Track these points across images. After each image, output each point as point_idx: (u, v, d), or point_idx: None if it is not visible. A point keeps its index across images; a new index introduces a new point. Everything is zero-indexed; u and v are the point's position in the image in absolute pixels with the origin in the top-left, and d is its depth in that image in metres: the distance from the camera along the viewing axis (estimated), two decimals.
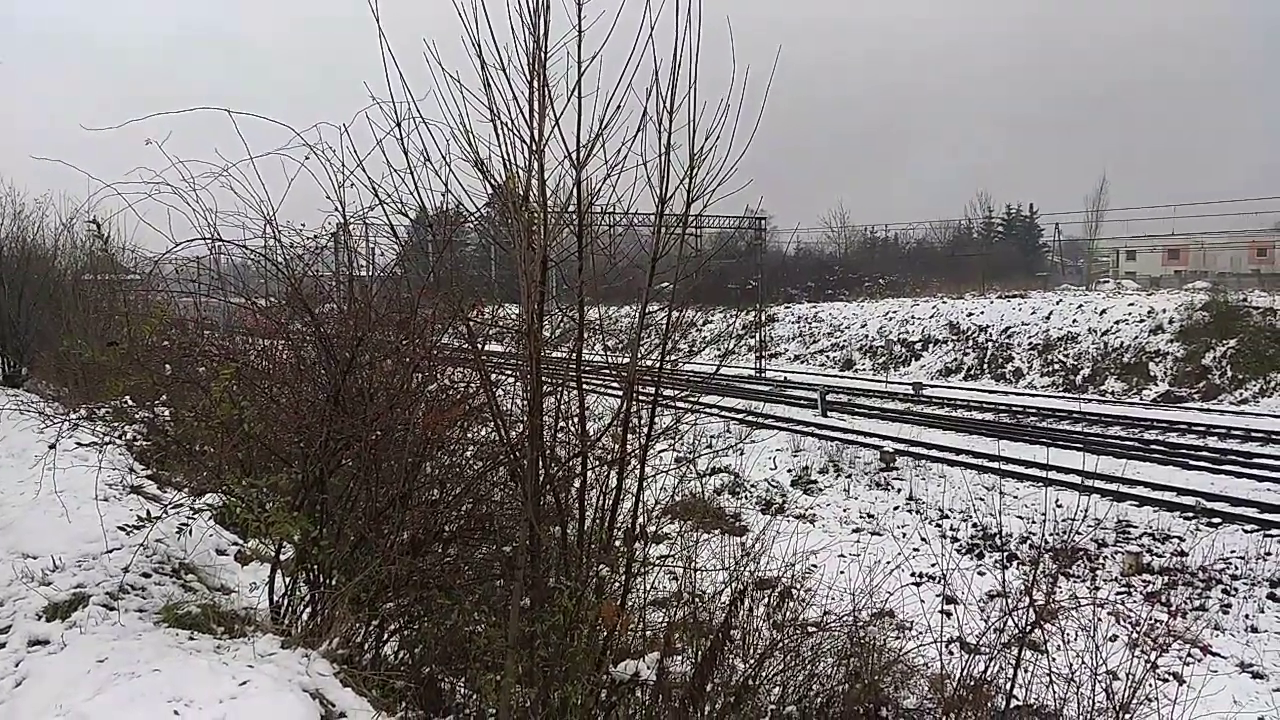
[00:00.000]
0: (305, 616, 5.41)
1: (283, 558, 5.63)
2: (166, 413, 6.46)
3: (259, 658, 4.45)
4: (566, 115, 4.92)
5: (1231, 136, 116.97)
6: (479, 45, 4.74)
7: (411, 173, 5.08)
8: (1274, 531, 14.84)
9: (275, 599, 5.50)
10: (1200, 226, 66.51)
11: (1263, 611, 11.93)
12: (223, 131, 4.99)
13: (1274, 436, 23.47)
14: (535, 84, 4.87)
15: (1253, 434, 24.07)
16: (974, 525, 15.99)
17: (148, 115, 4.91)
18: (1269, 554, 13.68)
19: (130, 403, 6.93)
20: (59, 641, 4.64)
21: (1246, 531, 15.04)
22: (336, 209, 5.44)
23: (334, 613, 5.08)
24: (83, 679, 4.10)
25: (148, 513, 5.43)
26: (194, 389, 5.65)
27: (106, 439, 7.29)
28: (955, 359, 42.88)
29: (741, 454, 17.79)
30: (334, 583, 5.32)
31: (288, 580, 5.51)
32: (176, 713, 3.81)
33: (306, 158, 5.06)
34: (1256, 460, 20.71)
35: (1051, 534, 10.56)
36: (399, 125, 4.92)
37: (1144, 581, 13.04)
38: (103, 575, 5.53)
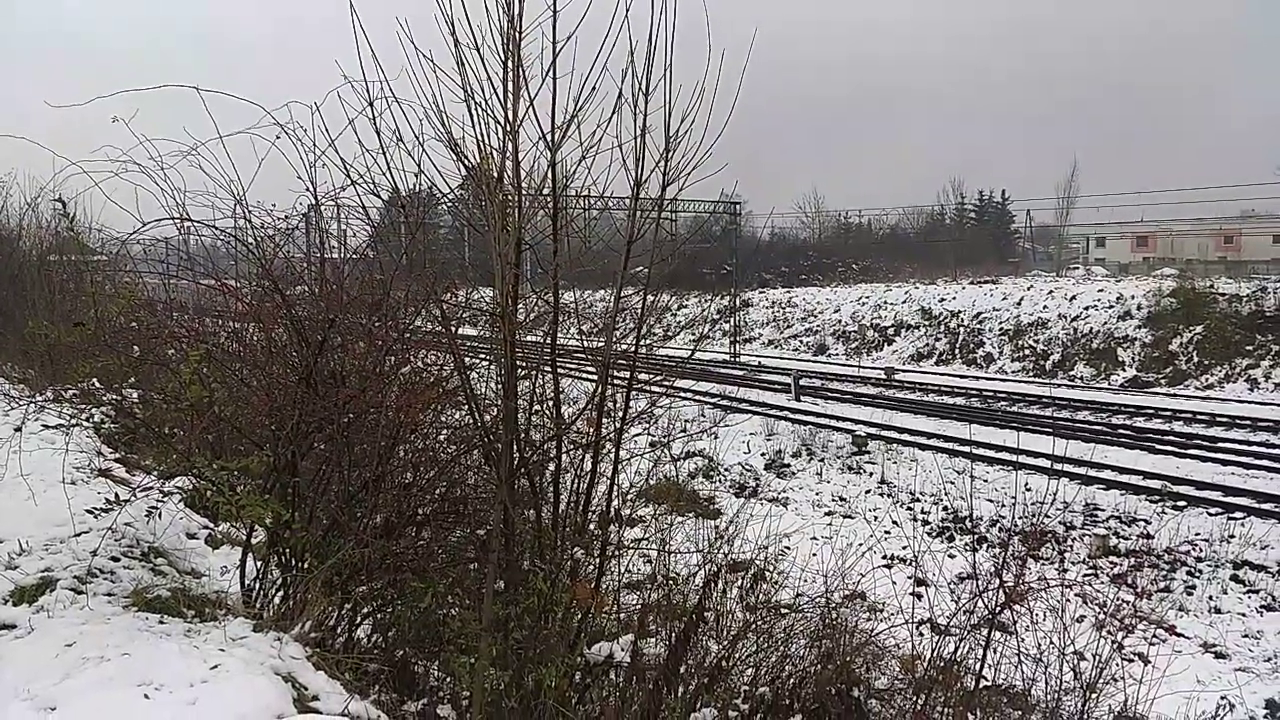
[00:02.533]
0: (277, 600, 5.38)
1: (254, 541, 5.59)
2: (135, 395, 6.38)
3: (230, 641, 4.42)
4: (541, 96, 4.90)
5: (1199, 126, 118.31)
6: (453, 24, 4.69)
7: (384, 153, 5.03)
8: (1238, 514, 15.11)
9: (247, 583, 5.46)
10: (1169, 214, 67.32)
11: (1226, 593, 12.14)
12: (192, 111, 4.92)
13: (1238, 421, 23.87)
14: (510, 64, 4.84)
15: (1218, 419, 24.46)
16: (945, 508, 16.16)
17: (115, 93, 4.83)
18: (1233, 536, 13.92)
19: (97, 385, 6.83)
20: (26, 625, 4.57)
21: (1211, 514, 15.30)
22: (308, 189, 5.38)
23: (306, 596, 5.06)
24: (51, 663, 4.06)
25: (116, 496, 5.37)
26: (163, 371, 5.57)
27: (73, 421, 7.17)
28: (927, 344, 43.18)
29: (716, 438, 17.88)
30: (306, 566, 5.28)
31: (259, 564, 5.47)
32: (147, 696, 3.78)
33: (277, 137, 4.99)
34: (1221, 444, 21.05)
35: (1021, 517, 10.66)
36: (371, 105, 4.86)
37: (1111, 563, 13.23)
38: (70, 559, 5.46)
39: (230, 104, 4.98)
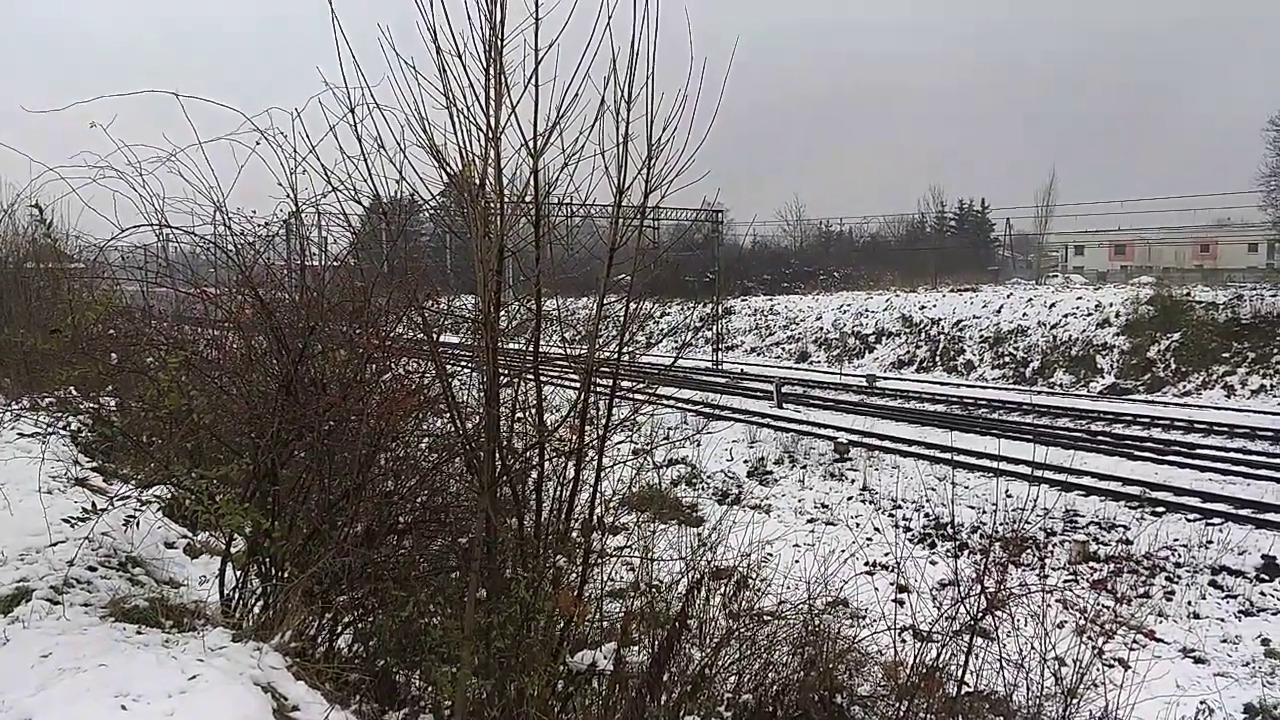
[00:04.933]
0: (257, 610, 5.34)
1: (233, 550, 5.55)
2: (112, 403, 6.33)
3: (209, 651, 4.38)
4: (523, 104, 4.89)
5: (1175, 136, 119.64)
6: (434, 30, 4.68)
7: (365, 159, 5.01)
8: (1215, 520, 15.23)
9: (226, 592, 5.42)
10: (1146, 222, 68.06)
11: (1204, 598, 12.23)
12: (171, 116, 4.89)
13: (1215, 428, 24.09)
14: (492, 71, 4.83)
15: (1195, 425, 24.66)
16: (926, 515, 16.21)
17: (94, 98, 4.80)
18: (1210, 542, 14.02)
19: (74, 393, 6.77)
20: (1, 637, 4.52)
21: (1189, 520, 15.41)
22: (288, 196, 5.35)
23: (286, 605, 5.02)
24: (26, 674, 4.01)
25: (93, 505, 5.33)
26: (141, 379, 5.53)
27: (50, 430, 7.12)
28: (908, 351, 43.39)
29: (698, 445, 17.88)
30: (286, 575, 5.25)
31: (239, 573, 5.43)
32: (124, 707, 3.73)
33: (257, 143, 4.98)
34: (1198, 451, 21.23)
35: (1002, 523, 10.73)
36: (352, 111, 4.85)
37: (1091, 569, 13.29)
38: (47, 569, 5.41)
39: (210, 109, 4.96)
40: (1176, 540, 14.27)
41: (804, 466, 20.90)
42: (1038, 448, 17.79)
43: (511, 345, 5.72)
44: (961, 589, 5.60)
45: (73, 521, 5.95)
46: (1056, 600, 7.54)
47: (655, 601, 6.14)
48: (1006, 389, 34.88)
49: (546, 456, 5.62)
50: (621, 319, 5.67)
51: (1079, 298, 39.88)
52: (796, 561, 7.66)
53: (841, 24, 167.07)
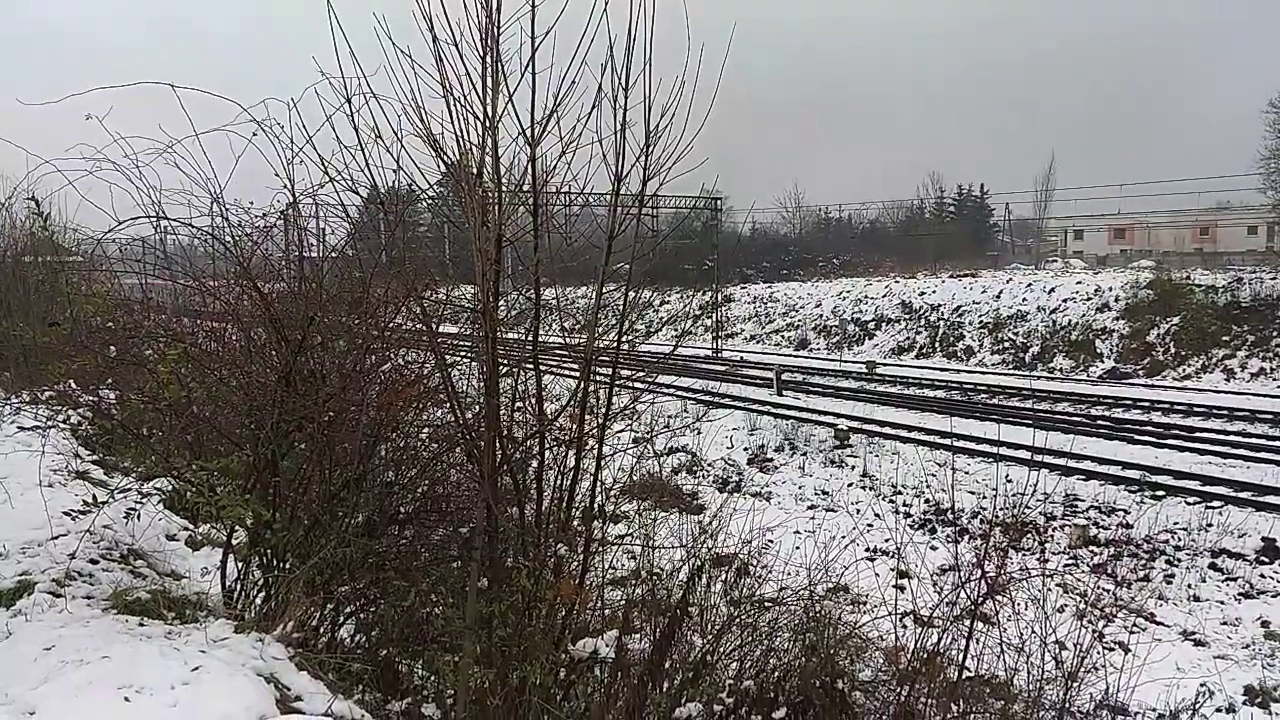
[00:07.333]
0: (259, 601, 5.35)
1: (235, 542, 5.55)
2: (112, 396, 6.33)
3: (211, 643, 4.39)
4: (520, 92, 4.88)
5: (1174, 120, 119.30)
6: (430, 19, 4.67)
7: (362, 149, 5.00)
8: (1215, 503, 15.25)
9: (228, 584, 5.42)
10: (1145, 206, 67.85)
11: (1204, 581, 12.24)
12: (167, 109, 4.87)
13: (1215, 411, 24.11)
14: (488, 59, 4.81)
15: (1195, 409, 24.69)
16: (927, 501, 16.23)
17: (88, 90, 4.77)
18: (1210, 525, 14.03)
19: (74, 386, 6.77)
20: (3, 630, 4.53)
21: (1189, 503, 15.43)
22: (285, 187, 5.33)
23: (288, 596, 5.03)
24: (29, 667, 4.01)
25: (94, 498, 5.33)
26: (140, 371, 5.53)
27: (50, 423, 7.13)
28: (908, 338, 43.39)
29: (698, 433, 17.86)
30: (288, 566, 5.25)
31: (240, 565, 5.44)
32: (127, 699, 3.74)
33: (254, 134, 4.96)
34: (1198, 434, 21.26)
35: (1002, 508, 10.74)
36: (349, 101, 4.83)
37: (1091, 553, 13.31)
38: (48, 562, 5.41)
39: (206, 101, 4.93)
40: (1176, 523, 14.29)
41: (804, 453, 20.92)
42: (1037, 432, 17.74)
43: (511, 335, 5.72)
44: (962, 574, 5.61)
45: (74, 515, 5.96)
46: (1057, 584, 7.56)
47: (656, 589, 6.16)
48: (1006, 374, 34.89)
49: (547, 445, 5.63)
50: (620, 307, 5.66)
51: (1078, 282, 39.87)
52: (797, 548, 7.66)
53: (841, 13, 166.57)
